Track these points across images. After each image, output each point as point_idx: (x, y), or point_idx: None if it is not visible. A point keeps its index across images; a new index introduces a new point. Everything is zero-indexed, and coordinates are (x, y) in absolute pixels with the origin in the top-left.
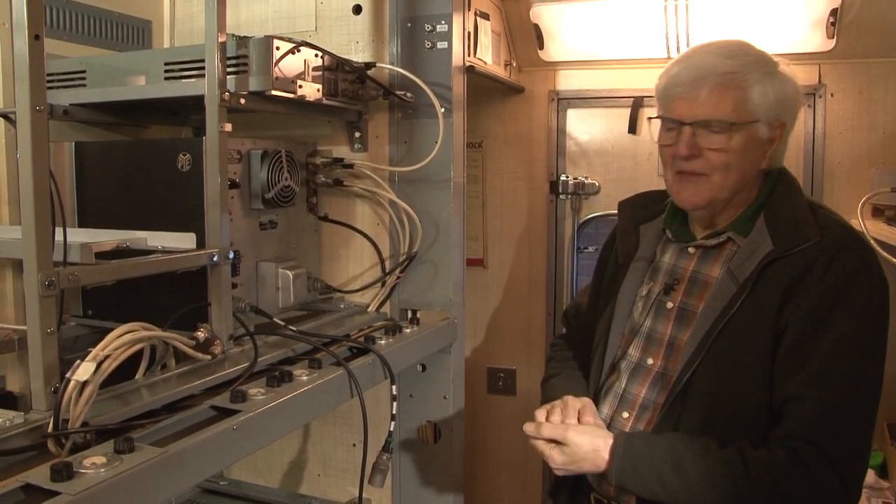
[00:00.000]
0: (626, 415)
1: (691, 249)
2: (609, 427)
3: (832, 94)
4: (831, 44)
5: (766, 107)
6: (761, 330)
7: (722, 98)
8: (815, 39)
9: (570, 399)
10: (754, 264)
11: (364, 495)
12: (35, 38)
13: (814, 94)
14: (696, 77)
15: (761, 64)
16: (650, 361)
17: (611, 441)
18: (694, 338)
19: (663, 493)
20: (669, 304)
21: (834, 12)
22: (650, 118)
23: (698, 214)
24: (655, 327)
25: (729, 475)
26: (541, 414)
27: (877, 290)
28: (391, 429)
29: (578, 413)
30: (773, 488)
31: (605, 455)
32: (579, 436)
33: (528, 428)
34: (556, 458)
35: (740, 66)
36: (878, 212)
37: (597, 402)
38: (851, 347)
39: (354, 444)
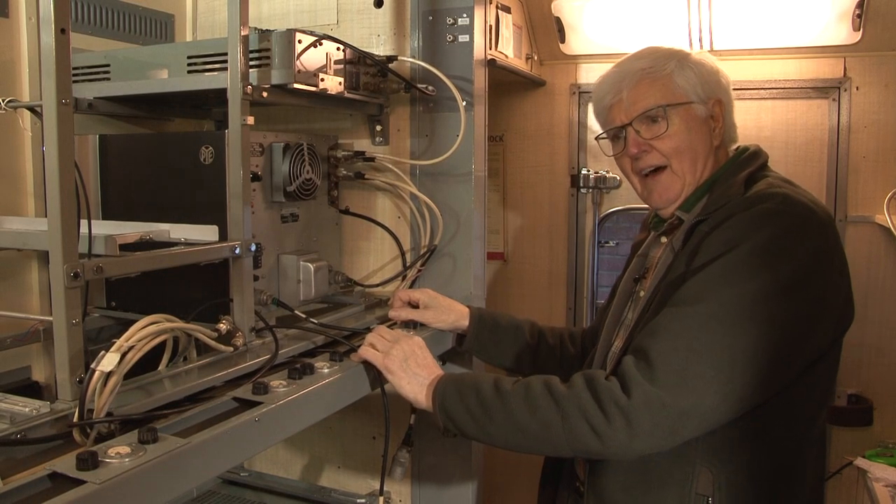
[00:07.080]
0: None
1: (663, 238)
2: None
3: (857, 88)
4: (857, 36)
5: (693, 87)
6: (678, 284)
7: (648, 89)
8: (840, 32)
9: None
10: (684, 232)
11: (384, 488)
12: (61, 33)
13: (838, 88)
14: (617, 82)
15: (672, 55)
16: (618, 345)
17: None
18: (636, 313)
19: (480, 410)
20: (641, 293)
21: (860, 4)
22: (597, 138)
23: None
24: (633, 317)
25: (542, 387)
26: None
27: (775, 231)
28: (411, 422)
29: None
30: (581, 392)
31: (436, 372)
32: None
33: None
34: (393, 351)
35: (653, 61)
36: None
37: None
38: (714, 279)
39: (374, 437)
